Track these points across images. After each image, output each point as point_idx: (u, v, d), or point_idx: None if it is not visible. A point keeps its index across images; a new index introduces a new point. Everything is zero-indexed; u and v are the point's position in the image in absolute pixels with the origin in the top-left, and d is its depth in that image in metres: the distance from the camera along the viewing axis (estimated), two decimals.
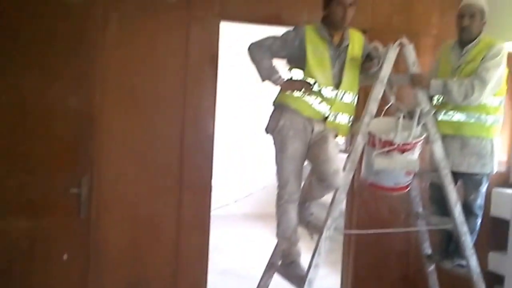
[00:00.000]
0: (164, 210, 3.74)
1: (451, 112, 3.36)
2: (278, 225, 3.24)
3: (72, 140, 3.53)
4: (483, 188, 3.44)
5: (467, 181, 3.44)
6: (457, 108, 3.32)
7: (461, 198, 3.39)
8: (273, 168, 3.21)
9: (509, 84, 4.16)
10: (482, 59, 3.24)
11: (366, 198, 3.98)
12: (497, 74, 3.23)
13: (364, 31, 3.49)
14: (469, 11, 3.33)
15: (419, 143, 3.22)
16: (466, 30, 3.33)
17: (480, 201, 3.44)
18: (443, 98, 3.29)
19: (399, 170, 3.20)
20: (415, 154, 3.21)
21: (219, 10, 3.66)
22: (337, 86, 3.15)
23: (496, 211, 4.31)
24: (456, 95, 3.17)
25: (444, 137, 3.34)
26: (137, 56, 3.61)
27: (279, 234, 3.24)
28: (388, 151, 3.13)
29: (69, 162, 3.53)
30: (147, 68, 3.62)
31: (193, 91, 3.66)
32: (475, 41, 3.34)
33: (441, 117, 3.39)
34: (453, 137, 3.38)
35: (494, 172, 3.43)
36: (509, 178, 4.27)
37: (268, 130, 3.24)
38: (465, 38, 3.36)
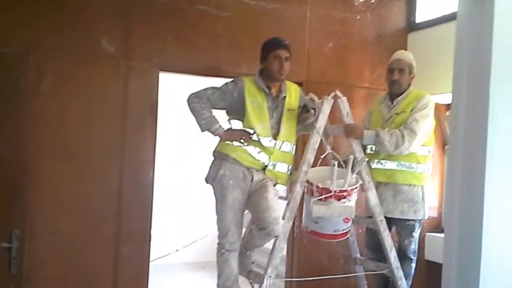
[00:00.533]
0: (100, 262, 3.62)
1: (383, 161, 3.50)
2: (219, 275, 3.22)
3: (3, 192, 3.39)
4: (417, 233, 3.57)
5: (401, 226, 3.57)
6: (389, 157, 3.45)
7: (396, 243, 3.49)
8: (214, 217, 3.21)
9: (436, 134, 4.46)
10: (411, 110, 3.42)
11: (306, 245, 4.02)
12: (426, 125, 3.39)
13: (300, 83, 3.64)
14: (399, 66, 3.51)
15: (355, 191, 3.31)
16: (396, 84, 3.51)
17: (414, 246, 3.56)
18: (375, 147, 3.43)
19: (337, 217, 3.26)
20: (351, 201, 3.30)
21: (158, 61, 3.70)
22: (275, 136, 3.23)
23: (430, 255, 4.44)
24: (388, 144, 3.31)
25: (378, 185, 3.47)
26: (74, 105, 3.57)
27: (220, 285, 3.20)
28: (326, 199, 3.20)
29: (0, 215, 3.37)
30: (84, 118, 3.58)
31: (132, 141, 3.64)
32: (404, 93, 3.52)
33: (375, 165, 3.52)
34: (386, 185, 3.51)
35: (426, 217, 3.57)
36: (441, 223, 4.45)
37: (208, 179, 3.25)
38: (395, 91, 3.53)
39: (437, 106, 4.49)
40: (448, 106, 4.48)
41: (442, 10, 4.21)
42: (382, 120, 3.54)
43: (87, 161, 3.59)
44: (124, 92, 3.61)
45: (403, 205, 3.48)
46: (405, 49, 4.46)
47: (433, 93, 4.20)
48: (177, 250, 5.70)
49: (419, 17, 4.47)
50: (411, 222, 3.52)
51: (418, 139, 3.34)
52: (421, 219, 3.55)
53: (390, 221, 3.47)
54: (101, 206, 3.62)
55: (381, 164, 3.50)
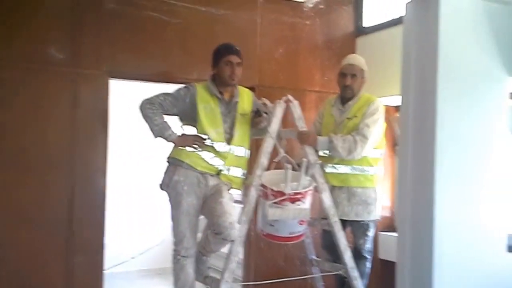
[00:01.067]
0: (52, 273, 3.51)
1: (337, 165, 3.57)
2: (175, 282, 3.20)
3: None
4: (371, 233, 3.66)
5: (355, 227, 3.64)
6: (343, 161, 3.52)
7: (351, 243, 3.57)
8: (169, 223, 3.20)
9: (387, 136, 4.58)
10: (363, 114, 3.50)
11: (262, 248, 4.03)
12: (376, 130, 3.48)
13: (252, 88, 3.67)
14: (351, 71, 3.56)
15: (309, 193, 3.36)
16: (349, 88, 3.57)
17: (369, 245, 3.65)
18: (329, 153, 3.48)
19: (292, 219, 3.30)
20: (306, 204, 3.34)
21: (108, 68, 3.64)
22: (229, 141, 3.24)
23: (384, 254, 4.54)
24: (341, 150, 3.36)
25: (333, 188, 3.54)
26: (23, 114, 3.47)
27: None
28: (281, 202, 3.23)
29: None
30: (33, 127, 3.49)
31: (83, 149, 3.57)
32: (355, 98, 3.59)
33: (329, 169, 3.57)
34: (340, 188, 3.58)
35: (379, 218, 3.66)
36: (393, 223, 4.56)
37: (162, 186, 3.24)
38: (347, 95, 3.59)
39: (387, 108, 4.60)
40: (397, 108, 4.60)
41: (389, 15, 4.32)
42: (334, 124, 3.60)
43: (37, 170, 3.50)
44: (73, 100, 3.53)
45: (358, 207, 3.56)
46: (354, 53, 4.56)
47: (382, 95, 4.32)
48: (132, 258, 5.63)
49: (367, 22, 4.57)
50: (366, 222, 3.60)
51: (369, 143, 3.42)
52: (375, 220, 3.64)
53: (345, 223, 3.54)
54: (52, 216, 3.52)
55: (335, 168, 3.56)
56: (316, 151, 3.47)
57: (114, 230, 5.35)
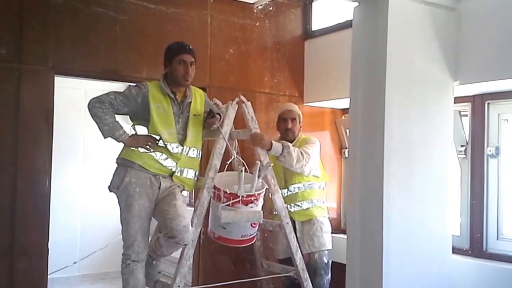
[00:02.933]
0: None
1: (299, 203, 3.73)
2: (124, 287, 3.09)
3: None
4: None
5: (318, 256, 3.73)
6: (303, 197, 3.73)
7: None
8: (116, 227, 3.10)
9: (333, 138, 4.68)
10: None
11: (212, 251, 3.98)
12: (315, 153, 3.72)
13: (203, 88, 3.62)
14: (291, 115, 3.84)
15: (261, 195, 3.36)
16: (290, 131, 3.81)
17: (326, 260, 3.76)
18: (279, 159, 3.53)
19: (246, 221, 3.29)
20: (258, 206, 3.34)
21: (53, 63, 3.46)
22: (182, 142, 3.18)
23: (332, 255, 4.58)
24: (294, 155, 3.50)
25: (301, 224, 3.75)
26: None
27: None
28: (233, 204, 3.21)
29: None
30: None
31: (25, 149, 3.36)
32: (295, 140, 3.81)
33: (293, 208, 3.73)
34: (306, 222, 3.75)
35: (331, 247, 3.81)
36: (340, 224, 4.64)
37: (112, 187, 3.12)
38: (289, 138, 3.79)
39: (333, 111, 4.74)
40: (343, 111, 4.70)
41: (337, 18, 4.38)
42: (282, 167, 3.69)
43: None
44: (15, 97, 3.31)
45: (327, 235, 3.78)
46: (303, 55, 4.63)
47: (329, 98, 4.42)
48: (74, 263, 5.44)
49: (315, 25, 4.62)
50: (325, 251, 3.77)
51: (312, 161, 3.63)
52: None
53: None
54: None
55: (299, 206, 3.75)
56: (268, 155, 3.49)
57: (57, 234, 5.24)
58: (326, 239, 3.73)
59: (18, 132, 3.34)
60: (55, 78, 3.48)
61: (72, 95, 4.44)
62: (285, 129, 3.81)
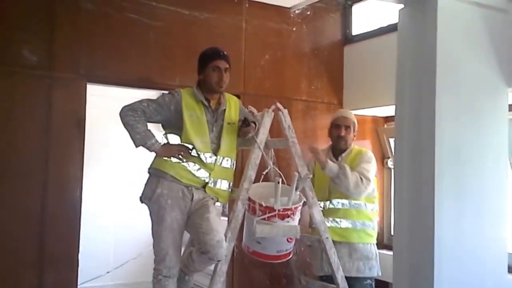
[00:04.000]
0: None
1: (338, 219, 3.48)
2: None
3: None
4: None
5: (357, 285, 3.46)
6: (344, 215, 3.46)
7: None
8: (146, 236, 3.00)
9: (375, 148, 4.48)
10: (357, 164, 3.44)
11: (247, 265, 3.83)
12: (372, 176, 3.46)
13: (237, 96, 3.49)
14: (345, 122, 3.57)
15: (298, 209, 3.18)
16: (343, 140, 3.56)
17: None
18: (335, 181, 3.36)
19: (281, 237, 3.12)
20: (295, 220, 3.16)
21: (85, 71, 3.41)
22: (215, 151, 3.05)
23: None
24: (351, 179, 3.30)
25: (333, 243, 3.40)
26: None
27: None
28: (269, 218, 3.04)
29: None
30: (3, 133, 3.22)
31: (56, 157, 3.31)
32: (348, 150, 3.57)
33: (330, 223, 3.46)
34: (340, 243, 3.46)
35: (380, 274, 3.55)
36: (383, 239, 4.42)
37: (143, 199, 3.00)
38: (341, 147, 3.57)
39: (375, 119, 4.54)
40: (386, 119, 4.51)
41: (379, 23, 4.21)
42: (327, 178, 3.48)
43: (7, 179, 3.23)
44: (47, 105, 3.27)
45: (359, 263, 3.47)
46: (342, 61, 4.46)
47: (371, 106, 4.23)
48: (107, 272, 5.47)
49: (355, 30, 4.46)
50: (368, 280, 3.51)
51: (370, 186, 3.40)
52: (375, 276, 3.54)
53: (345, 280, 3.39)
54: (22, 229, 3.24)
55: (337, 222, 3.49)
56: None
57: (91, 243, 5.22)
58: (353, 266, 3.46)
59: (49, 140, 3.29)
60: (87, 86, 3.42)
61: (104, 103, 4.41)
62: (338, 136, 3.57)
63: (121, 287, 5.81)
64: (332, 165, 3.32)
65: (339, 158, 3.54)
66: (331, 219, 3.48)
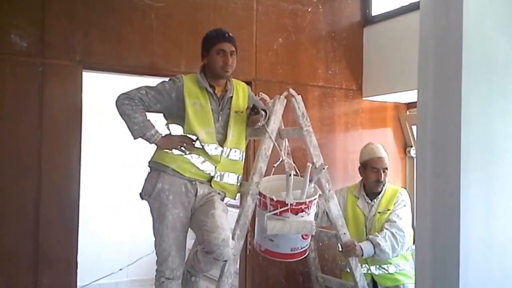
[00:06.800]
0: None
1: (385, 265, 3.29)
2: None
3: None
4: None
5: None
6: (386, 261, 3.26)
7: None
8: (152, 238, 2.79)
9: (397, 136, 4.19)
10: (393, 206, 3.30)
11: (261, 263, 3.61)
12: (408, 221, 3.29)
13: (248, 83, 3.27)
14: (382, 165, 3.37)
15: (314, 203, 2.93)
16: (381, 184, 3.36)
17: None
18: (374, 256, 3.16)
19: (295, 233, 2.88)
20: (310, 215, 2.92)
21: (81, 58, 3.19)
22: (222, 142, 2.83)
23: None
24: (388, 250, 3.12)
25: None
26: None
27: None
28: (281, 213, 2.81)
29: None
30: None
31: (50, 151, 3.10)
32: (382, 191, 3.38)
33: (378, 271, 3.30)
34: None
35: None
36: None
37: (143, 195, 2.81)
38: (378, 190, 3.37)
39: (396, 105, 4.26)
40: (408, 105, 4.25)
41: (400, 1, 3.92)
42: (363, 219, 3.35)
43: None
44: (39, 95, 3.06)
45: None
46: (361, 44, 4.19)
47: (392, 91, 3.95)
48: (120, 269, 5.42)
49: (375, 10, 4.18)
50: None
51: (406, 236, 3.23)
52: None
53: None
54: (14, 230, 3.04)
55: (385, 270, 3.31)
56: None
57: (105, 240, 5.24)
58: None
59: (42, 133, 3.08)
60: (83, 73, 3.21)
61: (103, 92, 4.20)
62: (377, 181, 3.35)
63: (136, 283, 5.78)
64: (367, 249, 3.10)
65: (375, 200, 3.36)
66: (378, 266, 3.30)
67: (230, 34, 2.85)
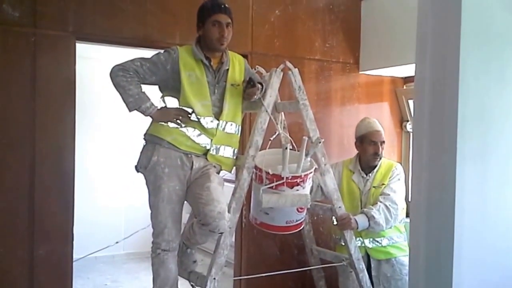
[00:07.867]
0: (13, 268, 3.04)
1: (379, 239, 3.31)
2: (155, 279, 2.78)
3: None
4: None
5: None
6: (379, 234, 3.29)
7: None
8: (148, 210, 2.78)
9: (393, 110, 4.16)
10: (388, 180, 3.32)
11: (256, 237, 3.63)
12: (402, 195, 3.32)
13: (244, 56, 3.21)
14: (380, 138, 3.37)
15: (309, 176, 2.93)
16: (378, 157, 3.36)
17: None
18: (368, 228, 3.18)
19: (290, 206, 2.88)
20: (306, 188, 2.91)
21: (74, 29, 3.12)
22: (218, 115, 2.81)
23: None
24: (382, 222, 3.15)
25: (378, 263, 3.34)
26: None
27: None
28: (277, 186, 2.80)
29: None
30: None
31: (44, 123, 3.06)
32: (377, 166, 3.38)
33: (371, 244, 3.33)
34: (388, 261, 3.34)
35: None
36: None
37: (139, 168, 2.79)
38: (374, 164, 3.37)
39: (393, 80, 4.23)
40: (405, 79, 4.20)
41: None
42: (358, 193, 3.37)
43: None
44: (32, 66, 3.00)
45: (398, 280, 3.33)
46: (359, 17, 4.14)
47: (389, 65, 3.92)
48: (116, 242, 5.39)
49: None
50: None
51: (399, 209, 3.25)
52: None
53: None
54: (9, 202, 3.02)
55: (378, 243, 3.33)
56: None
57: (102, 214, 5.41)
58: (405, 283, 3.29)
59: (35, 105, 3.03)
60: (77, 44, 3.15)
61: (96, 64, 4.14)
62: (375, 153, 3.34)
63: (133, 255, 5.92)
64: (362, 220, 3.11)
65: (370, 175, 3.36)
66: (371, 239, 3.32)
67: (226, 5, 2.79)
